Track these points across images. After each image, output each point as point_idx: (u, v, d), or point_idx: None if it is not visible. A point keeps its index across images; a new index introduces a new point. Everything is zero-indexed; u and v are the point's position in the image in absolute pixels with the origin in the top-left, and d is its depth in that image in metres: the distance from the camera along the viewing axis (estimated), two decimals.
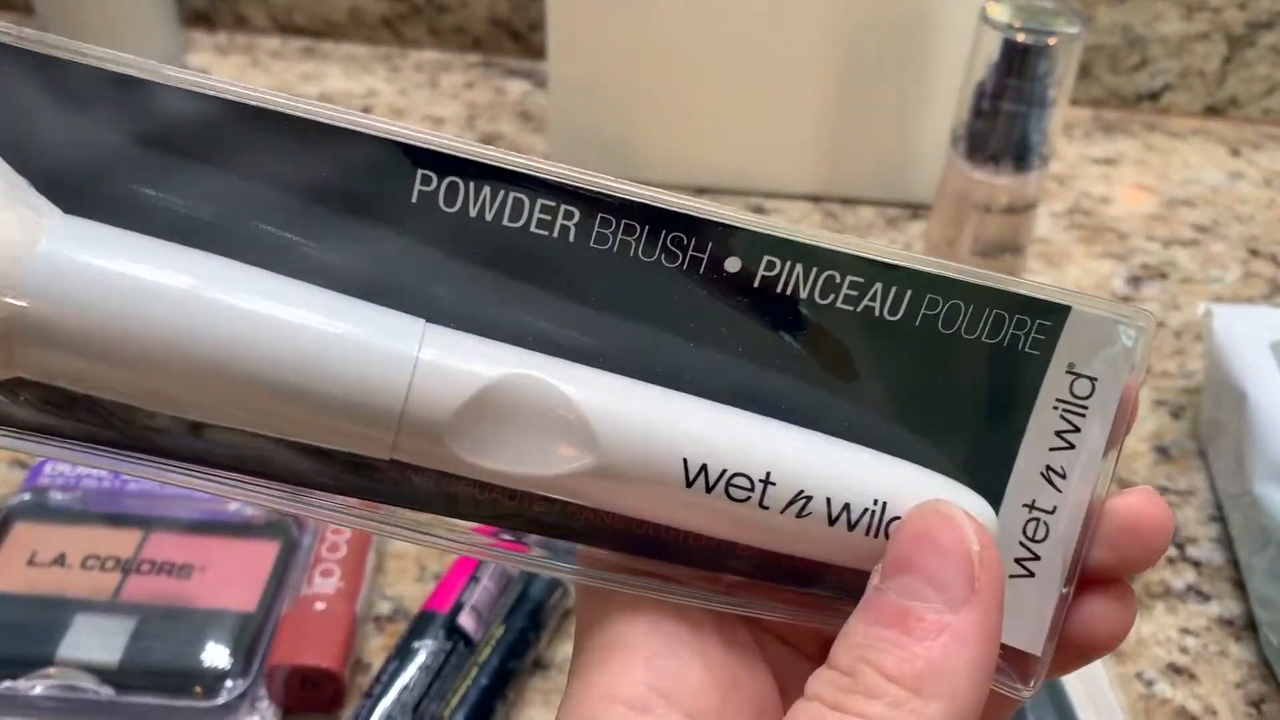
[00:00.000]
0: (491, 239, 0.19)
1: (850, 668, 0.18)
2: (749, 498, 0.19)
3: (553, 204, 0.19)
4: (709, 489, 0.19)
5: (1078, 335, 0.20)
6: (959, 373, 0.20)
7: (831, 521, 0.19)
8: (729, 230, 0.19)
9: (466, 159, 0.19)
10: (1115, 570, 0.20)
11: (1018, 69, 0.44)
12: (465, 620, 0.36)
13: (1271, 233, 0.59)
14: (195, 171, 0.18)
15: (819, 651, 0.21)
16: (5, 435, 0.18)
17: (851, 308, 0.20)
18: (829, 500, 0.19)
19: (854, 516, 0.19)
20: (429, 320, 0.19)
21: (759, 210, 0.59)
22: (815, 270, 0.20)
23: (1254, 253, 0.58)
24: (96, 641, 0.35)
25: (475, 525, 0.20)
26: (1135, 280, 0.55)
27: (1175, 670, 0.39)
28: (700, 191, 0.60)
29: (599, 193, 0.20)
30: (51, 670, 0.35)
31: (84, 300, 0.17)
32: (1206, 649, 0.39)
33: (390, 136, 0.19)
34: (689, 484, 0.19)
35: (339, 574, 0.37)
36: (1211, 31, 0.65)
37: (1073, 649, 0.21)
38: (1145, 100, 0.68)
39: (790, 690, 0.21)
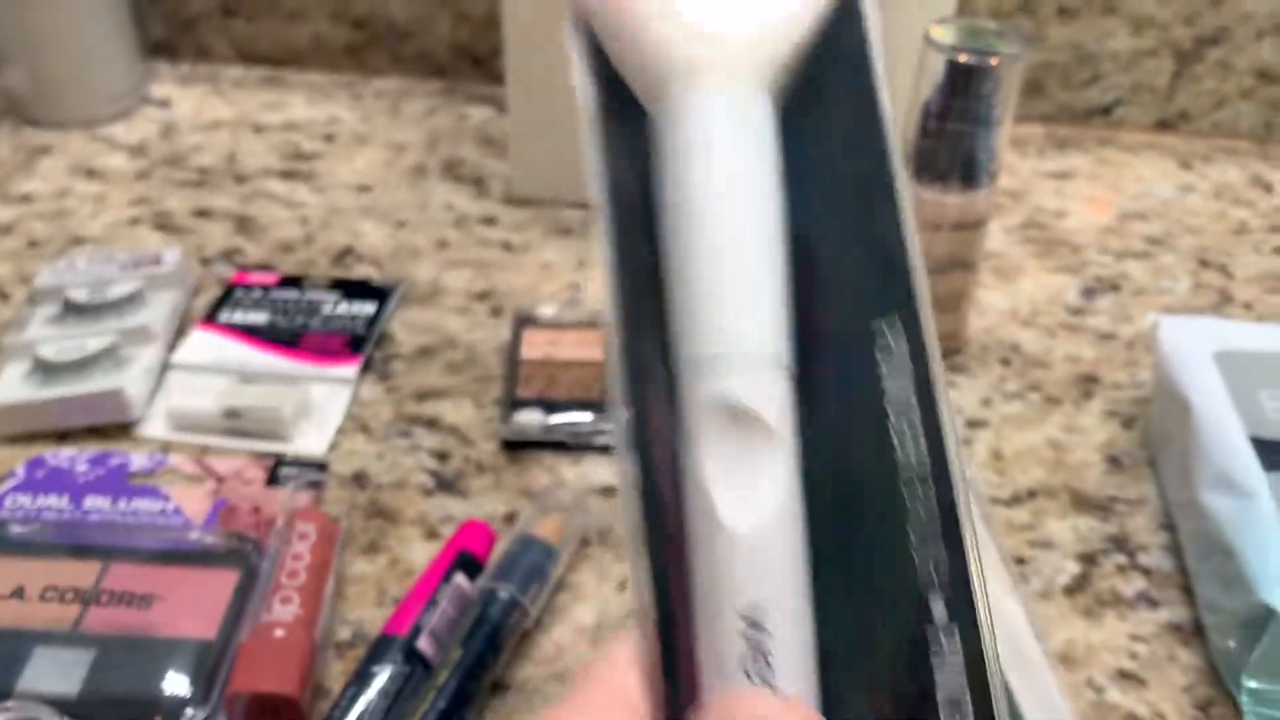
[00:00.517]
0: None
1: None
2: None
3: None
4: None
5: None
6: None
7: None
8: None
9: None
10: None
11: (962, 89, 0.45)
12: (424, 644, 0.37)
13: (1221, 244, 0.60)
14: None
15: None
16: None
17: None
18: None
19: None
20: None
21: None
22: None
23: (1204, 264, 0.59)
24: (56, 673, 0.36)
25: None
26: (1089, 292, 0.56)
27: (1125, 676, 0.39)
28: None
29: None
30: (10, 703, 0.35)
31: None
32: (1156, 655, 0.40)
33: None
34: None
35: (298, 601, 0.37)
36: (1160, 47, 0.67)
37: None
38: (1097, 115, 0.70)
39: None
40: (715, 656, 0.20)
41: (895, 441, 0.21)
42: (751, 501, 0.20)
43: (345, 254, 0.57)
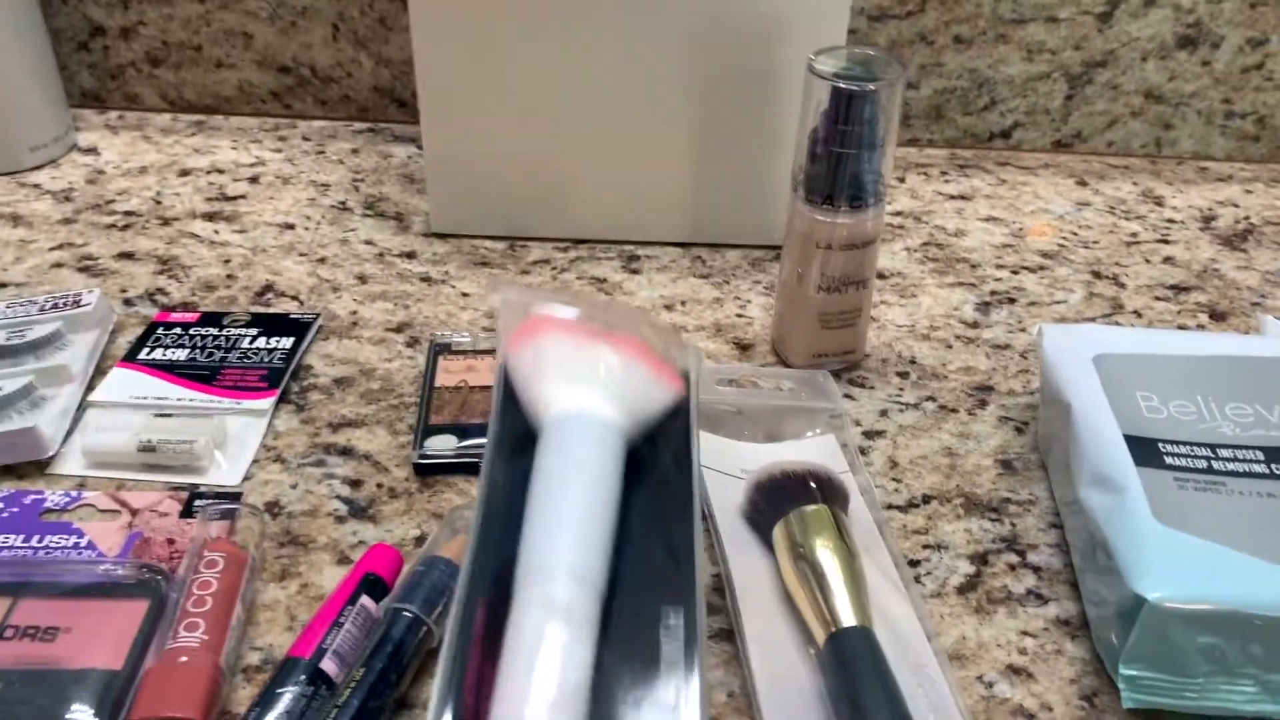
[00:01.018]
0: None
1: None
2: None
3: None
4: None
5: None
6: None
7: None
8: None
9: None
10: None
11: (845, 115, 0.47)
12: (327, 664, 0.38)
13: (1113, 255, 0.63)
14: None
15: None
16: None
17: None
18: None
19: None
20: None
21: (632, 258, 0.62)
22: None
23: (1097, 275, 0.61)
24: None
25: None
26: (984, 306, 0.59)
27: (1014, 671, 0.41)
28: (578, 243, 0.63)
29: None
30: None
31: None
32: (1044, 649, 0.42)
33: None
34: None
35: (204, 627, 0.38)
36: (1052, 71, 0.70)
37: None
38: (997, 138, 0.72)
39: None
40: None
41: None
42: (552, 678, 0.29)
43: (266, 291, 0.58)
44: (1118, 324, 0.58)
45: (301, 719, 0.36)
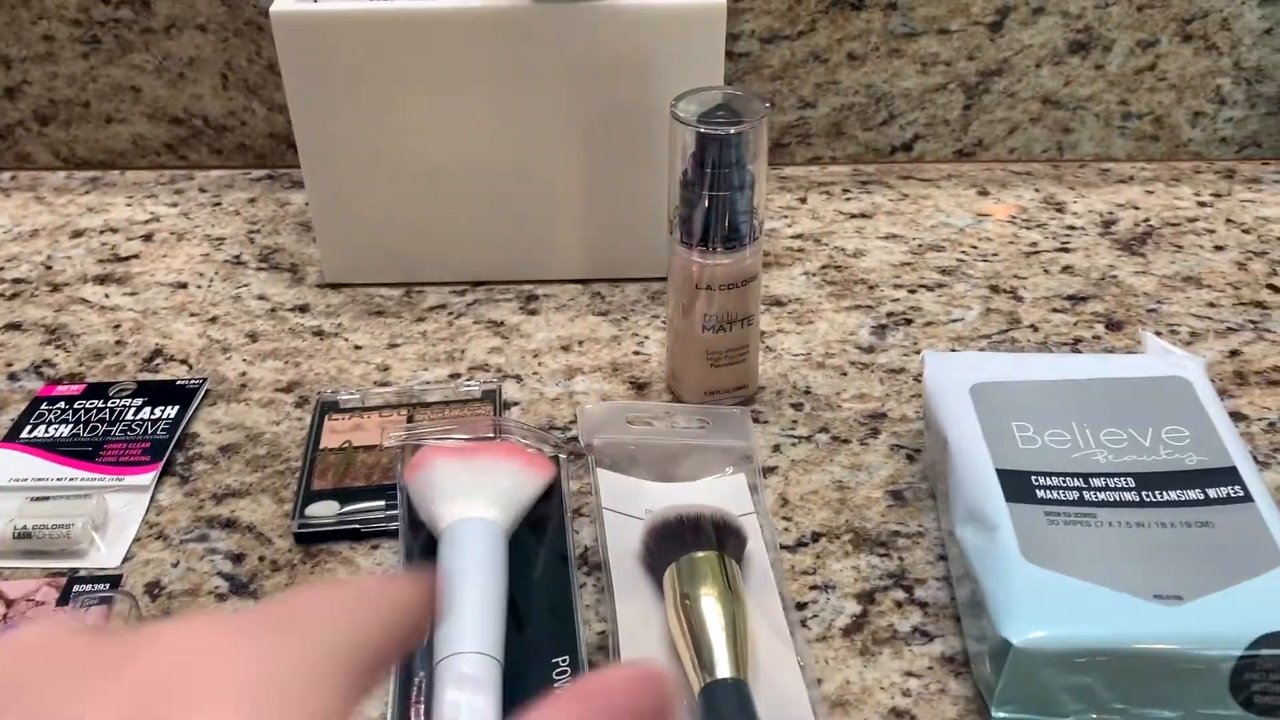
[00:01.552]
0: None
1: None
2: None
3: None
4: None
5: None
6: None
7: None
8: None
9: None
10: None
11: (711, 159, 0.47)
12: None
13: (1012, 268, 0.63)
14: None
15: None
16: None
17: None
18: None
19: None
20: None
21: (531, 298, 0.61)
22: None
23: (994, 289, 0.61)
24: None
25: None
26: (880, 329, 0.58)
27: (897, 714, 0.41)
28: (476, 285, 0.62)
29: None
30: None
31: None
32: (928, 689, 0.42)
33: None
34: None
35: None
36: (948, 82, 0.70)
37: None
38: (899, 151, 0.72)
39: None
40: None
41: None
42: None
43: (155, 356, 0.58)
44: (1014, 339, 0.58)
45: None
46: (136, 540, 0.47)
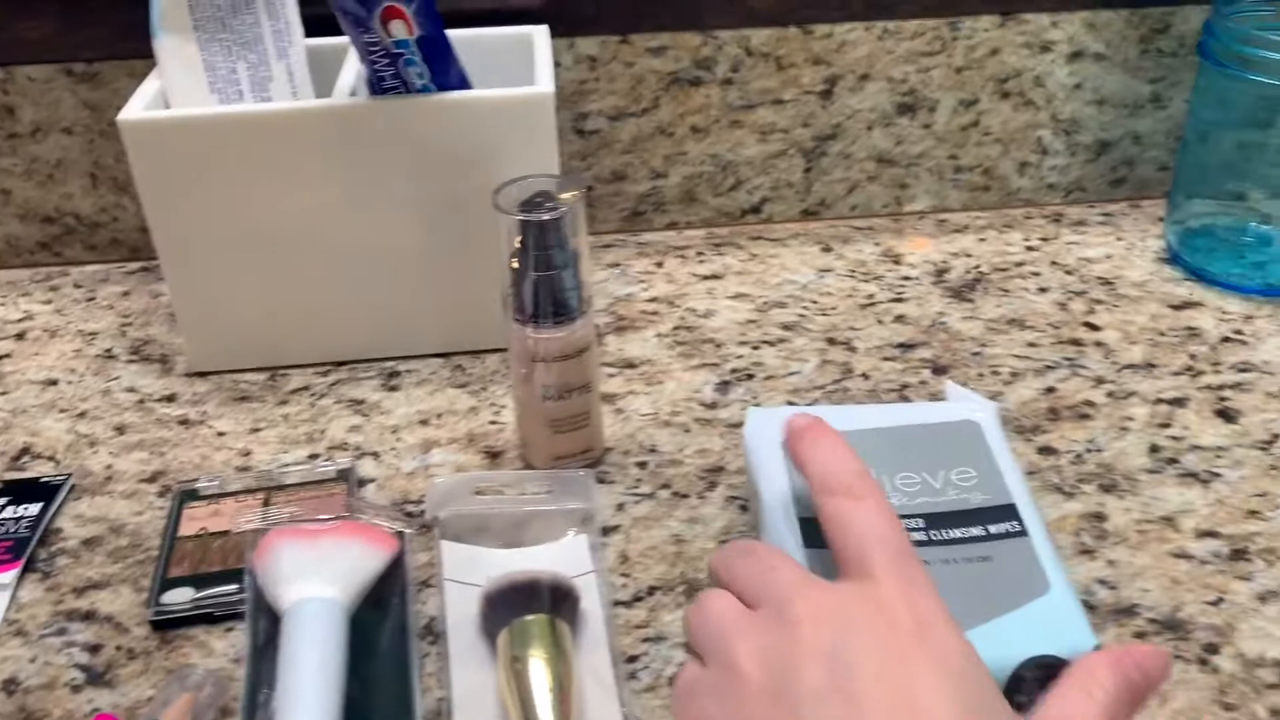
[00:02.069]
0: None
1: None
2: None
3: None
4: None
5: None
6: None
7: None
8: None
9: None
10: None
11: (533, 242, 0.50)
12: None
13: (849, 320, 0.67)
14: None
15: None
16: None
17: None
18: None
19: None
20: None
21: (393, 375, 0.64)
22: None
23: (831, 341, 0.65)
24: None
25: None
26: (724, 385, 0.62)
27: None
28: (339, 365, 0.65)
29: None
30: None
31: None
32: None
33: None
34: None
35: None
36: (787, 148, 0.74)
37: None
38: (749, 213, 0.77)
39: None
40: None
41: None
42: None
43: (23, 455, 0.59)
44: (846, 389, 0.61)
45: None
46: None
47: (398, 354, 0.65)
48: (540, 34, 0.66)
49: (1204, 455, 0.56)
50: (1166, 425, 0.58)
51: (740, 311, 0.68)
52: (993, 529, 0.45)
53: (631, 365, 0.64)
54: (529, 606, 0.46)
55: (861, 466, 0.39)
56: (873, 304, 0.69)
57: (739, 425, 0.59)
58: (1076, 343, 0.65)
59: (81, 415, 0.62)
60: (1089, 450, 0.57)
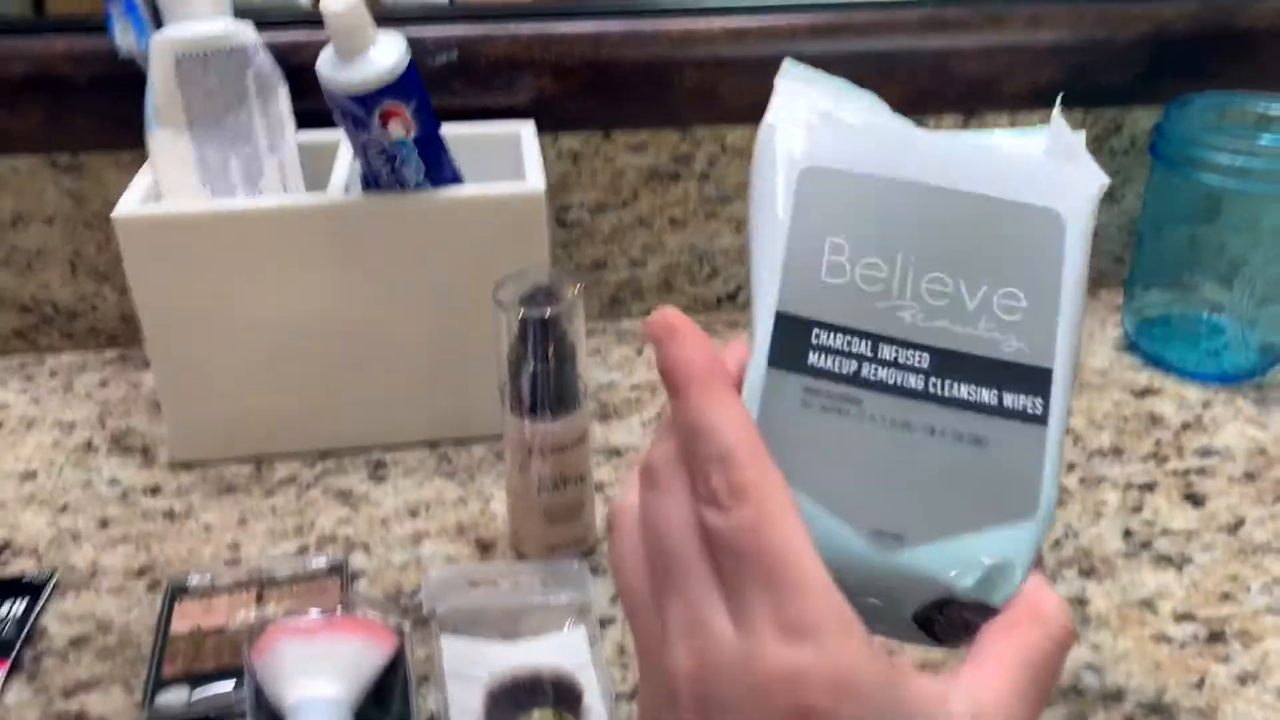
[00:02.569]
0: None
1: None
2: None
3: None
4: None
5: None
6: None
7: None
8: None
9: None
10: None
11: (533, 338, 0.52)
12: None
13: None
14: None
15: None
16: None
17: None
18: None
19: None
20: None
21: (379, 465, 0.64)
22: None
23: None
24: None
25: None
26: None
27: None
28: (325, 455, 0.65)
29: None
30: None
31: None
32: None
33: None
34: None
35: None
36: None
37: None
38: (726, 301, 0.79)
39: None
40: None
41: None
42: None
43: (4, 549, 0.58)
44: None
45: None
46: None
47: (383, 443, 0.65)
48: (527, 129, 0.68)
49: (1175, 539, 0.58)
50: (1139, 510, 0.61)
51: None
52: (1008, 400, 0.32)
53: (618, 453, 0.65)
54: (533, 701, 0.47)
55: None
56: None
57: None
58: None
59: (63, 508, 0.61)
60: (1066, 535, 0.59)
